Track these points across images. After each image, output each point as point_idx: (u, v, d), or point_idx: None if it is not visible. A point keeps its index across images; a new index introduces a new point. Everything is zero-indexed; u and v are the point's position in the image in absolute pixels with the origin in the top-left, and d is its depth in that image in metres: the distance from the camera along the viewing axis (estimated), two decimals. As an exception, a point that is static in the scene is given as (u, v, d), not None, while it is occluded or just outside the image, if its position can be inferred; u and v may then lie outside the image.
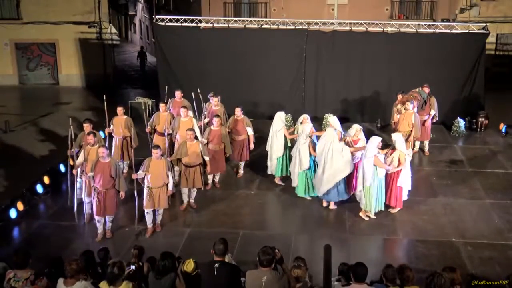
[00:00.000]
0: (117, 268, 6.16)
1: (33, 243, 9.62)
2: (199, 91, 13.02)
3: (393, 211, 10.59)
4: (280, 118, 11.87)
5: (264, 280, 5.87)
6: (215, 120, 11.56)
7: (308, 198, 11.29)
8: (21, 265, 6.46)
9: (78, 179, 10.44)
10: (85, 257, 7.06)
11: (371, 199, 10.19)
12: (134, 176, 9.72)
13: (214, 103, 12.84)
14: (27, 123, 16.91)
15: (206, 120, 12.64)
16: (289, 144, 11.95)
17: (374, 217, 10.39)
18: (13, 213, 10.49)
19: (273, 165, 11.95)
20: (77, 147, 10.63)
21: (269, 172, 12.16)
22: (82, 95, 21.83)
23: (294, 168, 11.15)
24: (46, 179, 11.60)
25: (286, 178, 12.00)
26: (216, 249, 6.28)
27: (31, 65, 23.37)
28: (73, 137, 10.65)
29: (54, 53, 23.13)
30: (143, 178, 9.83)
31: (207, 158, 10.84)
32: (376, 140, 10.09)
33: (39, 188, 11.46)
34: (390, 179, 10.36)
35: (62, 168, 12.08)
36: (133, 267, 6.79)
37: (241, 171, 12.70)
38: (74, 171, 10.32)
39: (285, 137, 11.83)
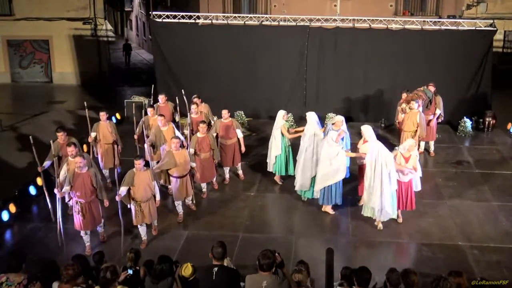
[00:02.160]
0: (110, 272, 6.11)
1: (26, 246, 9.42)
2: (183, 92, 12.63)
3: (400, 220, 10.29)
4: (279, 117, 11.56)
5: (264, 284, 5.79)
6: (201, 127, 11.00)
7: (304, 199, 11.15)
8: (15, 269, 6.34)
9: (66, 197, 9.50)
10: (76, 262, 6.84)
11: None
12: (118, 198, 9.06)
13: (194, 111, 12.10)
14: (20, 122, 16.63)
15: (186, 132, 11.87)
16: (287, 143, 11.67)
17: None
18: (5, 216, 10.30)
19: (271, 163, 11.73)
20: (51, 158, 10.02)
21: (269, 169, 11.95)
22: (77, 94, 21.52)
23: (299, 170, 10.90)
24: (39, 181, 11.14)
25: (286, 177, 11.87)
26: (215, 252, 6.20)
27: (24, 62, 23.09)
28: (36, 155, 9.83)
29: (48, 50, 22.84)
30: (127, 197, 9.29)
31: (194, 165, 10.51)
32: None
33: (32, 190, 11.22)
34: (407, 186, 9.94)
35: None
36: (130, 271, 6.60)
37: (240, 173, 12.42)
38: (56, 191, 9.19)
39: (283, 136, 11.53)
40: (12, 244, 9.75)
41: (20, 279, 6.24)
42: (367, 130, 10.44)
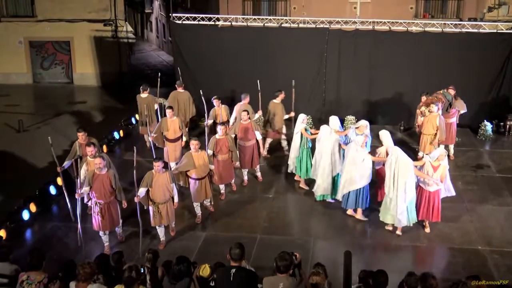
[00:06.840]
0: (134, 272, 6.06)
1: (46, 245, 9.51)
2: (201, 93, 12.69)
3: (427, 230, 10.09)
4: (299, 121, 11.61)
5: (280, 286, 5.82)
6: (220, 128, 11.00)
7: (329, 200, 11.09)
8: (35, 266, 6.40)
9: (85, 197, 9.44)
10: (99, 261, 6.91)
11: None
12: (137, 199, 9.15)
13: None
14: (41, 122, 16.79)
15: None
16: (306, 146, 11.64)
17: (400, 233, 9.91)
18: (25, 215, 10.41)
19: (292, 164, 11.81)
20: (71, 158, 10.15)
21: (289, 171, 11.99)
22: (97, 94, 21.71)
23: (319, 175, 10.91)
24: (59, 180, 11.14)
25: (310, 182, 11.75)
26: (233, 253, 6.19)
27: (45, 63, 23.26)
28: (55, 156, 9.87)
29: (69, 51, 23.01)
30: (146, 198, 9.33)
31: (212, 167, 10.56)
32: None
33: (52, 190, 11.33)
34: (434, 196, 9.74)
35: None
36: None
37: (258, 175, 12.43)
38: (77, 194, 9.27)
39: (301, 139, 11.54)
40: (32, 243, 9.86)
41: (41, 278, 6.29)
42: (385, 136, 10.50)
